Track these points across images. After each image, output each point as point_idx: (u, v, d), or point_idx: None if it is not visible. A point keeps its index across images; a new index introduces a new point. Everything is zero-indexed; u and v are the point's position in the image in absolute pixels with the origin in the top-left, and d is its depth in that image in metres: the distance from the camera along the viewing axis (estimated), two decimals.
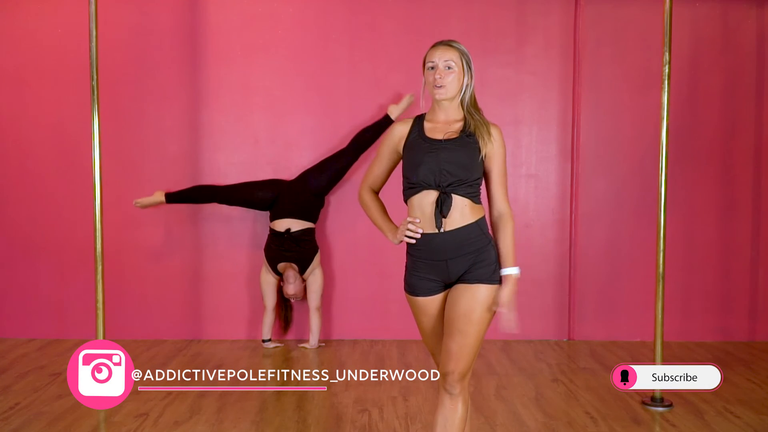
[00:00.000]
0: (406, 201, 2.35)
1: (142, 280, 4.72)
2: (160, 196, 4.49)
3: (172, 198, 4.49)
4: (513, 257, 2.30)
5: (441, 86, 2.29)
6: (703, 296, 4.85)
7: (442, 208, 2.25)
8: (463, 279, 2.29)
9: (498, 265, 2.32)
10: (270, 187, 4.51)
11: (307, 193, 4.46)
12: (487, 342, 4.68)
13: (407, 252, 2.37)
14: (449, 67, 2.29)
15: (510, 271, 2.29)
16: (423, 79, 2.37)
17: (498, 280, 2.31)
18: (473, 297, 2.25)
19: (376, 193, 2.50)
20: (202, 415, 3.34)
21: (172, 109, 4.68)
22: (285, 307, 4.64)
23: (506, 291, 2.27)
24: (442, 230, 2.27)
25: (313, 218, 4.49)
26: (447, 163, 2.26)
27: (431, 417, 2.31)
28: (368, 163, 4.65)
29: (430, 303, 2.35)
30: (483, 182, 2.35)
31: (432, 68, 2.31)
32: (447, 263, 2.29)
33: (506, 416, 3.37)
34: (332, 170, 4.50)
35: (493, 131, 2.32)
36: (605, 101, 4.78)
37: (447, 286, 2.34)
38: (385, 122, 4.50)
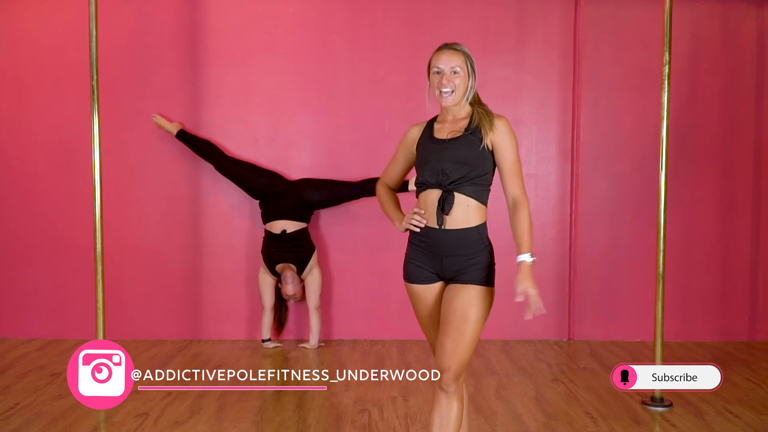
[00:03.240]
0: (417, 198, 2.43)
1: (142, 280, 4.72)
2: (175, 128, 4.56)
3: (182, 137, 4.56)
4: (528, 244, 2.29)
5: (448, 92, 2.34)
6: (703, 296, 4.86)
7: (443, 206, 2.31)
8: (458, 279, 2.34)
9: (493, 268, 2.38)
10: (271, 177, 4.51)
11: (300, 199, 4.46)
12: (487, 342, 4.69)
13: (408, 241, 2.45)
14: (455, 72, 2.34)
15: (523, 257, 2.28)
16: (428, 81, 2.42)
17: (491, 283, 2.36)
18: (468, 297, 2.30)
19: (393, 189, 2.61)
20: (202, 415, 3.34)
21: (172, 109, 4.68)
22: (281, 308, 4.63)
23: (520, 278, 2.26)
24: (443, 227, 2.31)
25: (305, 219, 4.50)
26: (448, 162, 2.32)
27: (430, 416, 2.32)
28: (370, 161, 4.65)
29: (426, 291, 2.41)
30: (492, 181, 2.38)
31: (438, 73, 2.36)
32: (442, 259, 2.35)
33: (506, 416, 3.37)
34: (331, 195, 4.50)
35: (498, 122, 2.35)
36: (605, 101, 4.78)
37: (442, 278, 2.40)
38: (402, 186, 4.23)
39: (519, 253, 2.30)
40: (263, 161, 4.71)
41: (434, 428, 2.29)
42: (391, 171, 2.58)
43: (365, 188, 4.48)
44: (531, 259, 2.28)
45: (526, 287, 2.23)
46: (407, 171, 2.56)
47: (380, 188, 2.61)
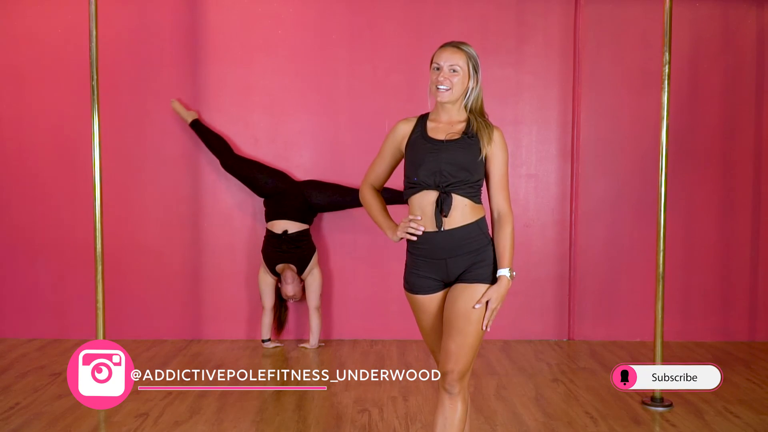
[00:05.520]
0: (406, 200, 2.36)
1: (142, 280, 4.72)
2: (190, 117, 4.57)
3: (196, 127, 4.56)
4: (509, 259, 2.29)
5: (444, 89, 2.30)
6: (703, 296, 4.86)
7: (442, 208, 2.27)
8: (462, 278, 2.30)
9: (496, 265, 2.34)
10: (277, 177, 4.51)
11: (306, 200, 4.47)
12: (487, 342, 4.68)
13: (407, 250, 2.39)
14: (454, 71, 2.30)
15: (503, 272, 2.29)
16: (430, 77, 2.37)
17: (496, 280, 2.32)
18: (472, 297, 2.26)
19: (378, 190, 2.52)
20: (202, 415, 3.34)
21: (172, 109, 4.68)
22: (280, 308, 4.63)
23: (494, 291, 2.26)
24: (442, 229, 2.28)
25: (308, 220, 4.50)
26: (447, 164, 2.27)
27: (431, 417, 2.31)
28: (369, 160, 4.66)
29: (430, 301, 2.36)
30: (483, 183, 2.36)
31: (437, 69, 2.32)
32: (446, 262, 2.30)
33: (506, 416, 3.37)
34: (336, 200, 4.51)
35: (495, 134, 2.33)
36: (605, 101, 4.78)
37: (446, 285, 2.35)
38: (398, 197, 4.24)
39: (500, 267, 2.29)
40: (263, 161, 4.70)
41: (437, 429, 2.26)
42: (376, 169, 2.48)
43: None
44: (511, 275, 2.28)
45: (494, 301, 2.25)
46: (393, 169, 2.48)
47: (365, 191, 2.49)
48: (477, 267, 2.29)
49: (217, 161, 4.62)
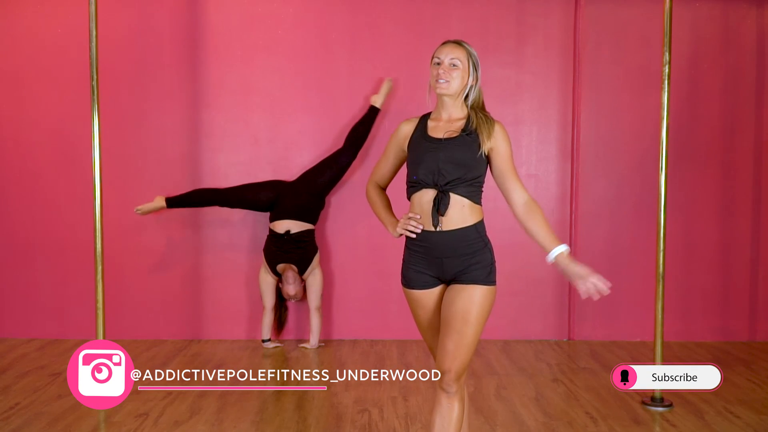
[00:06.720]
0: (409, 198, 2.39)
1: (142, 280, 4.72)
2: (160, 202, 4.48)
3: (173, 203, 4.49)
4: (555, 237, 2.33)
5: (443, 81, 2.32)
6: (703, 296, 4.85)
7: (439, 207, 2.28)
8: (459, 279, 2.31)
9: (494, 266, 2.35)
10: (270, 187, 4.51)
11: (307, 194, 4.46)
12: (487, 342, 4.69)
13: (405, 246, 2.41)
14: (454, 65, 2.34)
15: (562, 248, 2.31)
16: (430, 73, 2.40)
17: (493, 281, 2.33)
18: (469, 298, 2.27)
19: (383, 189, 2.57)
20: (202, 415, 3.34)
21: (172, 109, 4.68)
22: (281, 308, 4.63)
23: (577, 267, 2.32)
24: (439, 229, 2.29)
25: (313, 219, 4.49)
26: (445, 163, 2.29)
27: (431, 417, 2.31)
28: (367, 159, 4.67)
29: (426, 296, 2.38)
30: (484, 182, 2.37)
31: (438, 64, 2.36)
32: (442, 261, 2.32)
33: (506, 416, 3.37)
34: (332, 170, 4.50)
35: (495, 128, 2.34)
36: (605, 101, 4.78)
37: (442, 281, 2.37)
38: (372, 113, 4.54)
39: (555, 246, 2.32)
40: (263, 161, 4.71)
41: (435, 429, 2.27)
42: (381, 169, 2.53)
43: (353, 142, 4.51)
44: (567, 249, 2.32)
45: (588, 271, 2.31)
46: (398, 169, 2.53)
47: (370, 190, 2.55)
48: (473, 269, 2.30)
49: (217, 165, 4.63)
